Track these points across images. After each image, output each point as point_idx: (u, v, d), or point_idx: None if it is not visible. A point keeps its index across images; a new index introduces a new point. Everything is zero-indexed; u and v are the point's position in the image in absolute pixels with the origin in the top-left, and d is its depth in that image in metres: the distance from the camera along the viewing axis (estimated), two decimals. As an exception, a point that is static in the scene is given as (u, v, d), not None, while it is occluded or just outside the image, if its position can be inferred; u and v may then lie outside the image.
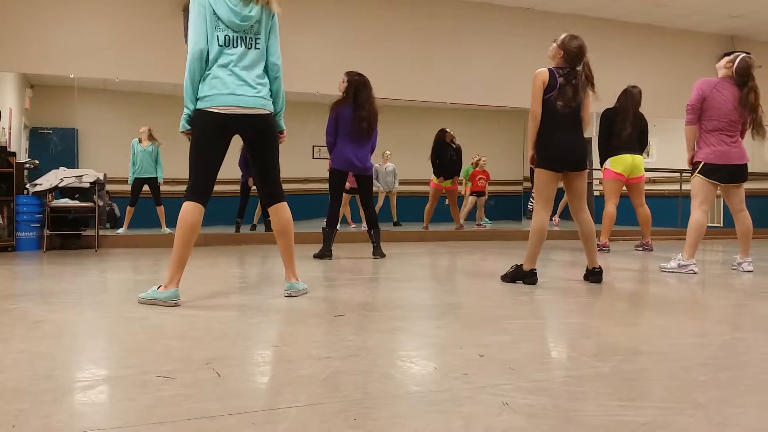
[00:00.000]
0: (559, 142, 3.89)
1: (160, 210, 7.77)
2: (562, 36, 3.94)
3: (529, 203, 8.56)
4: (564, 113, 3.86)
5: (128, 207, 7.74)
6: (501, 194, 11.23)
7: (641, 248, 6.71)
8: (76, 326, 2.71)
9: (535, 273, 3.99)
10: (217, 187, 3.28)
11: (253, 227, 8.51)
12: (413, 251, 6.46)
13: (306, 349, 2.26)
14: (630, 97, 6.40)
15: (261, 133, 3.26)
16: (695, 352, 2.31)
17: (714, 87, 4.60)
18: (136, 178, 7.73)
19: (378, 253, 5.65)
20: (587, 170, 4.07)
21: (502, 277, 4.11)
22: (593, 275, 4.06)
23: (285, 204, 3.38)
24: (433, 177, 8.89)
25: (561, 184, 4.05)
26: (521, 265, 4.02)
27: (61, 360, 2.13)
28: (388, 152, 9.97)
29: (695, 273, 4.62)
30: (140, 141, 7.82)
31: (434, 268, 5.30)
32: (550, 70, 3.87)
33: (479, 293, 3.75)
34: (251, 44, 3.19)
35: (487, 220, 10.33)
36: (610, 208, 6.46)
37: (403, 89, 8.20)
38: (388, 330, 2.62)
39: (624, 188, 6.58)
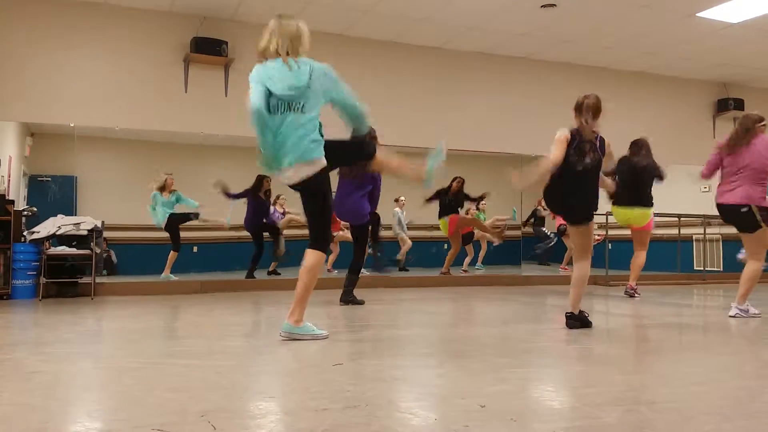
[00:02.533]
0: (561, 197, 4.06)
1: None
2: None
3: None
4: (576, 170, 3.94)
5: (172, 252, 7.60)
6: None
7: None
8: (70, 377, 2.67)
9: (575, 315, 4.06)
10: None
11: (270, 273, 8.35)
12: (411, 297, 6.41)
13: (304, 401, 2.22)
14: (636, 148, 6.40)
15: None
16: (699, 400, 2.27)
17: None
18: (170, 217, 7.57)
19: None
20: (588, 226, 4.12)
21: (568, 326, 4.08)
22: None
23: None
24: (440, 221, 8.89)
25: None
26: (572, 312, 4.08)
27: (54, 413, 2.08)
28: (403, 198, 9.98)
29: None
30: (161, 191, 7.68)
31: (434, 315, 5.26)
32: (571, 131, 3.99)
33: (479, 340, 3.71)
34: (297, 108, 3.39)
35: (480, 265, 10.18)
36: (636, 256, 6.58)
37: (404, 136, 8.26)
38: (388, 379, 2.58)
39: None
